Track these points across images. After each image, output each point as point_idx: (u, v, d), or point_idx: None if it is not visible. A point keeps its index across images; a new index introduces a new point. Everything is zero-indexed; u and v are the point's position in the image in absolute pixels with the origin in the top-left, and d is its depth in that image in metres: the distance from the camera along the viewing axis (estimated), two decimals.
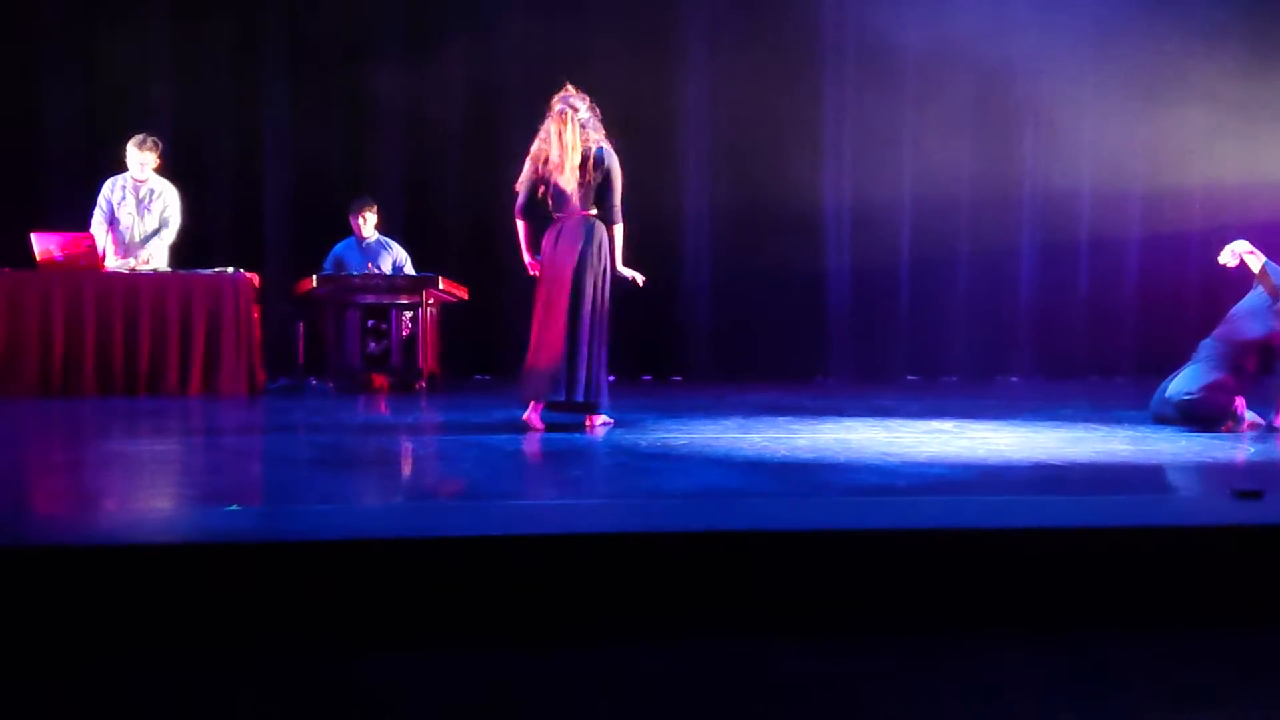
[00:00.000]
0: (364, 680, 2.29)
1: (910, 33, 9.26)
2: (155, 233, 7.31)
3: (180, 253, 7.58)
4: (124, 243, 7.24)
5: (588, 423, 5.09)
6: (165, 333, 6.89)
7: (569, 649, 2.45)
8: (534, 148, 5.07)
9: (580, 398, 5.01)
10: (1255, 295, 5.26)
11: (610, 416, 5.22)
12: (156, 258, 7.27)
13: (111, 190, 7.32)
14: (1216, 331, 5.29)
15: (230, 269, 7.15)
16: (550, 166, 4.99)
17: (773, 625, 2.57)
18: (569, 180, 4.98)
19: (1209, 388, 5.07)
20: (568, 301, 4.98)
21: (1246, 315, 5.22)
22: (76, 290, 6.81)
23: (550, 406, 5.10)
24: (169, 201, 7.36)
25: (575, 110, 5.01)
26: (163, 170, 7.41)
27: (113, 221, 7.28)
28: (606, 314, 5.09)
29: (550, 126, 4.99)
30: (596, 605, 2.56)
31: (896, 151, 9.38)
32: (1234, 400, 5.08)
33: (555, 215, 5.10)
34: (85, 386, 6.74)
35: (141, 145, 7.27)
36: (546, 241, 5.11)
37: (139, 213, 7.30)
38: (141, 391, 6.80)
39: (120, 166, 7.36)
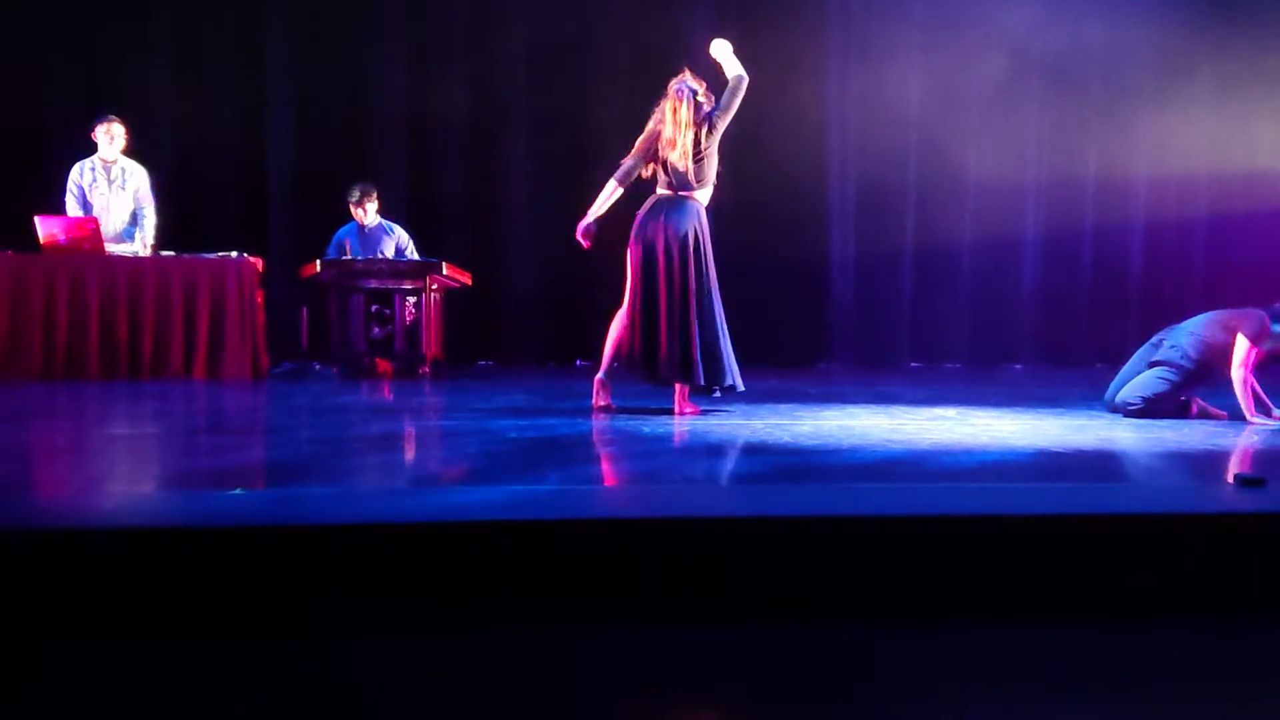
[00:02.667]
0: (367, 664, 2.30)
1: (915, 19, 9.22)
2: (135, 223, 7.27)
3: (184, 237, 7.57)
4: (102, 225, 7.16)
5: (679, 405, 5.17)
6: (169, 316, 6.89)
7: (568, 634, 2.45)
8: (649, 126, 5.19)
9: (700, 379, 5.14)
10: (1219, 313, 5.36)
11: (699, 404, 5.33)
12: (149, 238, 7.25)
13: (80, 174, 7.28)
14: (1178, 336, 5.34)
15: (234, 253, 7.15)
16: (664, 144, 5.13)
17: (774, 611, 2.57)
18: (682, 158, 5.12)
19: (1151, 400, 5.24)
20: (695, 284, 5.11)
21: (1208, 323, 5.28)
22: (80, 273, 6.80)
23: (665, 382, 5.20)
24: (140, 182, 7.33)
25: (693, 92, 5.15)
26: (128, 151, 7.36)
27: (85, 206, 7.26)
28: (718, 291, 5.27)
29: (666, 106, 5.14)
30: (594, 590, 2.57)
31: (901, 138, 9.35)
32: (1191, 406, 5.28)
33: (666, 192, 5.19)
34: (89, 370, 6.75)
35: (109, 122, 7.24)
36: (649, 219, 5.17)
37: (111, 192, 7.28)
38: (145, 375, 6.81)
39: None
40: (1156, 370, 5.31)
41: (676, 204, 5.16)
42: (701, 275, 5.16)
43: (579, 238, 5.24)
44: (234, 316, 6.97)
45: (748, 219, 9.00)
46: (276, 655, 2.33)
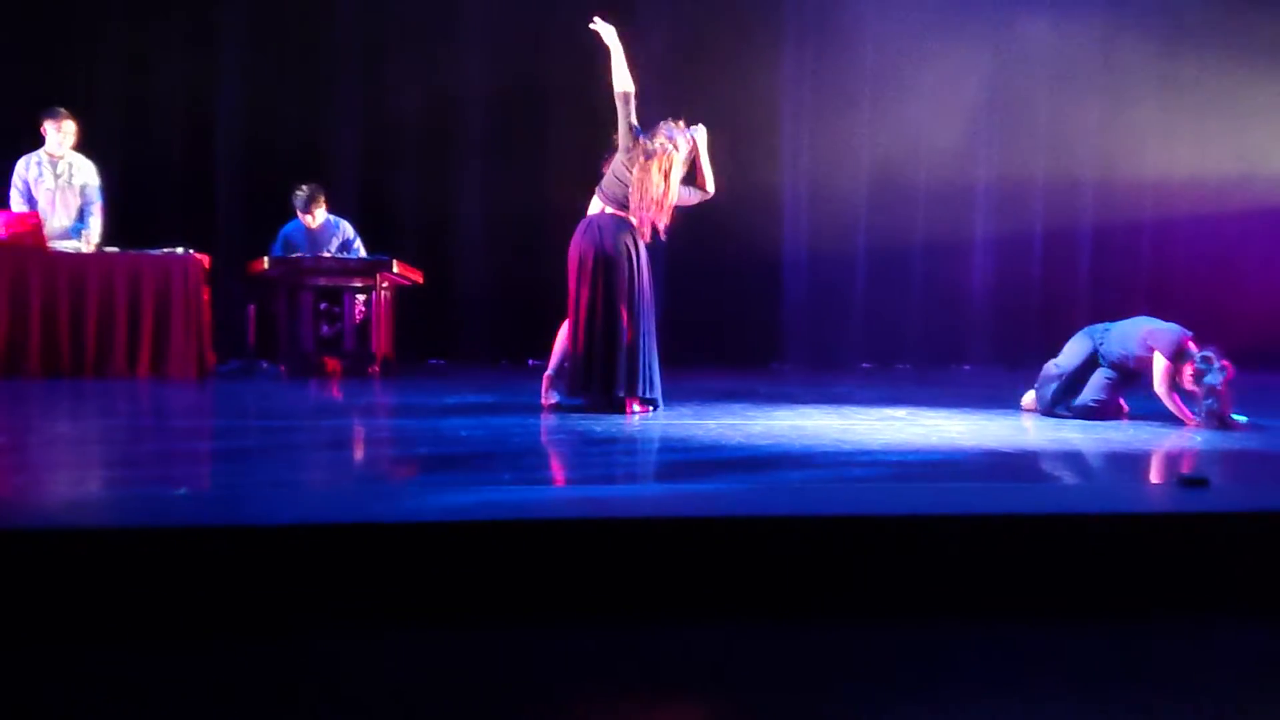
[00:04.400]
0: (316, 665, 2.27)
1: (868, 24, 9.29)
2: (82, 219, 7.15)
3: (129, 232, 7.43)
4: (47, 220, 7.03)
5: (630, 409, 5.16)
6: (112, 314, 6.76)
7: (523, 632, 2.44)
8: (636, 170, 5.11)
9: (650, 393, 5.19)
10: (1142, 325, 5.47)
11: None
12: (95, 236, 7.13)
13: (26, 169, 7.14)
14: (1110, 344, 5.44)
15: (180, 249, 7.04)
16: (652, 202, 5.12)
17: (726, 611, 2.57)
18: (663, 217, 5.16)
19: (1105, 401, 5.39)
20: (647, 301, 5.19)
21: (1131, 336, 5.41)
22: (21, 270, 6.66)
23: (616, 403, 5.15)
24: (88, 178, 7.20)
25: (676, 149, 5.14)
26: (77, 146, 7.23)
27: (30, 201, 7.12)
28: None
29: (655, 164, 5.09)
30: (548, 590, 2.55)
31: (854, 141, 9.42)
32: (1124, 406, 5.51)
33: (599, 207, 5.21)
34: (30, 368, 6.60)
35: (59, 117, 7.12)
36: (588, 237, 5.16)
37: (58, 187, 7.14)
38: (88, 373, 6.68)
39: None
40: (1105, 371, 5.43)
41: (616, 222, 5.17)
42: (643, 288, 5.18)
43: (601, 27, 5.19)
44: (179, 314, 6.85)
45: (702, 220, 9.00)
46: (219, 655, 2.29)
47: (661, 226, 5.19)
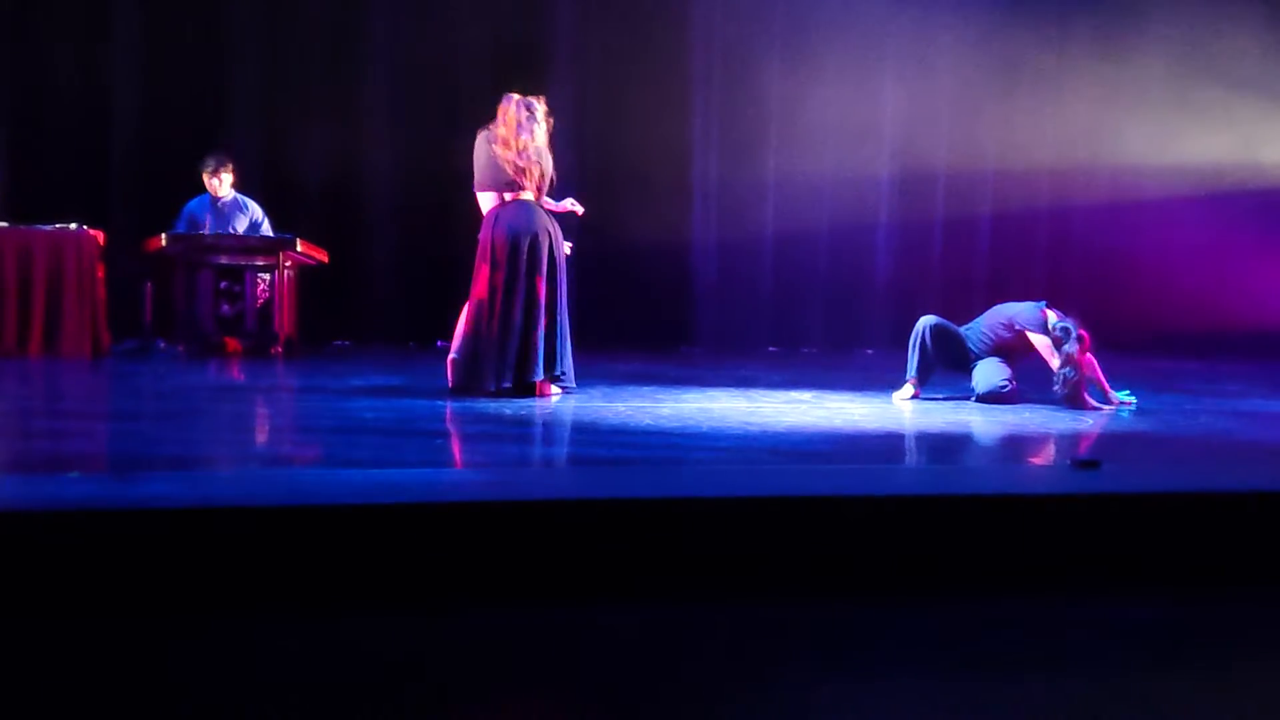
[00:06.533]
0: (207, 653, 2.23)
1: (776, 13, 9.36)
2: None
3: (20, 206, 7.16)
4: None
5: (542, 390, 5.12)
6: (2, 291, 6.52)
7: (416, 617, 2.43)
8: (503, 125, 5.12)
9: (560, 367, 5.18)
10: (1002, 311, 5.54)
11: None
12: None
13: None
14: (974, 337, 5.53)
15: (74, 225, 6.81)
16: (534, 153, 5.10)
17: (616, 590, 2.59)
18: (537, 165, 5.13)
19: (1013, 379, 5.37)
20: (563, 278, 5.18)
21: (993, 322, 5.48)
22: None
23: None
24: None
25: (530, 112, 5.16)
26: None
27: None
28: None
29: (540, 118, 5.13)
30: (450, 574, 2.54)
31: (762, 127, 9.49)
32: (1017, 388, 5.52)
33: (520, 194, 5.13)
34: None
35: None
36: (517, 221, 5.08)
37: None
38: None
39: None
40: (992, 359, 5.45)
41: (519, 205, 5.13)
42: (559, 266, 5.18)
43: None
44: (72, 292, 6.64)
45: (612, 201, 9.01)
46: (110, 640, 2.24)
47: (549, 179, 5.17)
